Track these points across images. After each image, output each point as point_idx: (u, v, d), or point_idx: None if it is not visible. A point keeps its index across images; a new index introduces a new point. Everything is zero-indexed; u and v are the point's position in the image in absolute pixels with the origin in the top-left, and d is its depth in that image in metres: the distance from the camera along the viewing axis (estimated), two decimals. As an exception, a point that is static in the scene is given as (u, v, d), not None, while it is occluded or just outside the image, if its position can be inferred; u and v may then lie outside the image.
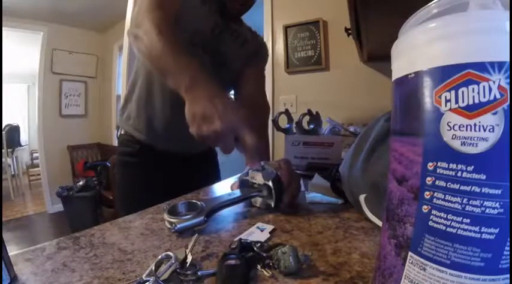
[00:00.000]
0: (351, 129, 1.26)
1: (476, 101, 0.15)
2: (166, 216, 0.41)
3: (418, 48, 0.18)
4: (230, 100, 0.48)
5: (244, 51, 0.84)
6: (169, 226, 0.41)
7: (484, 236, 0.15)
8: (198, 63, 0.50)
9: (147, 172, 0.80)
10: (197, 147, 0.89)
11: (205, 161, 0.94)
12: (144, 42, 0.53)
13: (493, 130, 0.15)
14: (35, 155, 4.81)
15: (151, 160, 0.80)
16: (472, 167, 0.15)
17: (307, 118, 0.98)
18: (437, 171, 0.16)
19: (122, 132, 0.83)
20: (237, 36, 0.83)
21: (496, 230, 0.15)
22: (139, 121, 0.80)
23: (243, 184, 0.55)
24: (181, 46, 0.52)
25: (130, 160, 0.81)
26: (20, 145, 4.82)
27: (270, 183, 0.49)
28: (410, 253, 0.18)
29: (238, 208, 0.53)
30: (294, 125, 0.93)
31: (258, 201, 0.53)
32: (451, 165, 0.16)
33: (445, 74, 0.16)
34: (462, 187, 0.15)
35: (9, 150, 4.38)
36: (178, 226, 0.39)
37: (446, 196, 0.16)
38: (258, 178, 0.51)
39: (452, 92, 0.16)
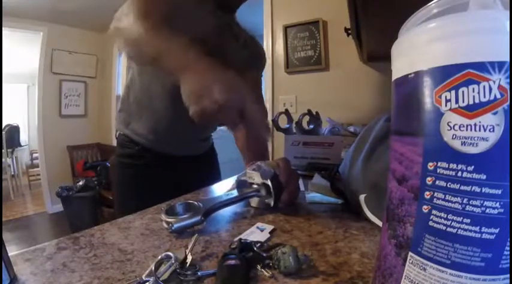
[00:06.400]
0: (351, 129, 1.26)
1: (477, 101, 0.15)
2: (163, 216, 0.42)
3: (418, 48, 0.18)
4: (231, 72, 0.43)
5: (245, 54, 0.84)
6: (166, 226, 0.41)
7: (484, 236, 0.15)
8: (191, 42, 0.46)
9: (147, 173, 0.80)
10: (198, 149, 0.89)
11: (206, 162, 0.94)
12: (129, 30, 0.51)
13: (493, 130, 0.15)
14: (34, 155, 4.79)
15: (152, 161, 0.80)
16: (472, 167, 0.15)
17: (307, 118, 0.98)
18: (438, 171, 0.16)
19: (121, 133, 0.83)
20: (238, 38, 0.83)
21: (496, 230, 0.15)
22: (139, 126, 0.78)
23: (240, 184, 0.55)
24: (169, 31, 0.48)
25: (130, 161, 0.80)
26: (20, 145, 4.82)
27: (269, 182, 0.49)
28: (410, 253, 0.18)
29: (238, 208, 0.53)
30: (293, 125, 0.93)
31: (255, 201, 0.53)
32: (451, 165, 0.16)
33: (445, 74, 0.16)
34: (462, 187, 0.15)
35: (9, 150, 4.37)
36: (175, 225, 0.40)
37: (447, 196, 0.16)
38: (256, 178, 0.51)
39: (453, 92, 0.16)
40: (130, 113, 0.80)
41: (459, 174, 0.16)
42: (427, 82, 0.17)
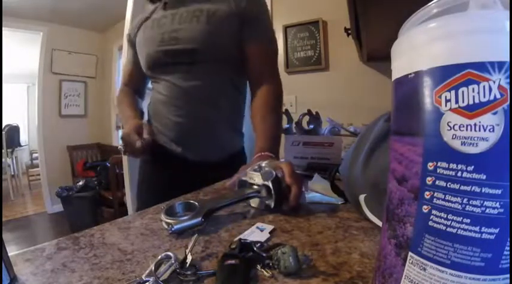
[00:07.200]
0: (351, 129, 1.26)
1: (477, 101, 0.15)
2: (163, 217, 0.41)
3: (418, 48, 0.18)
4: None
5: (216, 22, 0.77)
6: (166, 227, 0.41)
7: (484, 236, 0.15)
8: (133, 113, 0.86)
9: (165, 173, 0.83)
10: (213, 155, 0.85)
11: (232, 169, 0.88)
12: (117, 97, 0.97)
13: (493, 130, 0.15)
14: (34, 155, 4.80)
15: (170, 164, 0.82)
16: (472, 167, 0.15)
17: (307, 118, 0.98)
18: (438, 171, 0.16)
19: None
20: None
21: (496, 230, 0.15)
22: (155, 129, 0.84)
23: (241, 184, 0.55)
24: (127, 106, 0.89)
25: (151, 159, 0.85)
26: (20, 146, 4.82)
27: (270, 184, 0.49)
28: (410, 253, 0.18)
29: (238, 208, 0.53)
30: (293, 125, 0.93)
31: (255, 201, 0.53)
32: (451, 165, 0.16)
33: (445, 74, 0.16)
34: (462, 187, 0.15)
35: (8, 150, 4.37)
36: (175, 227, 0.39)
37: (447, 196, 0.16)
38: (257, 179, 0.51)
39: (452, 92, 0.16)
40: (149, 117, 0.89)
41: (459, 174, 0.15)
42: (427, 82, 0.17)
